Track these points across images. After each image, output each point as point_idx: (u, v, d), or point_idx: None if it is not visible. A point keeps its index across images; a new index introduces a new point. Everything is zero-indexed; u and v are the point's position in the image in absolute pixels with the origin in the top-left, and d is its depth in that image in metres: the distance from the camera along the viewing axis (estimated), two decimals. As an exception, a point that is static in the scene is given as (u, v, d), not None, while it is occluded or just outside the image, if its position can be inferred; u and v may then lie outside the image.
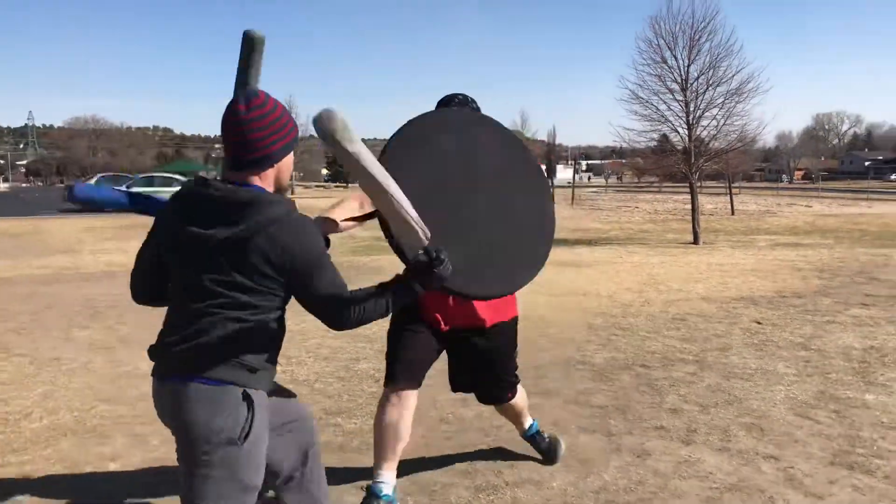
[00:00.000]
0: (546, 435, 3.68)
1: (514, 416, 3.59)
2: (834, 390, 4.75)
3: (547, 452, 3.63)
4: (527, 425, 3.64)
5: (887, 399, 4.55)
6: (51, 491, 3.39)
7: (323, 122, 2.10)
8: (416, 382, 3.11)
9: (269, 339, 2.18)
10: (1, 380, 5.30)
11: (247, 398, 2.09)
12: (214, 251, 2.05)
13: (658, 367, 5.39)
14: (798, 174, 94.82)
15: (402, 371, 3.09)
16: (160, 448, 3.88)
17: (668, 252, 15.46)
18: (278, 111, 2.14)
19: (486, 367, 3.27)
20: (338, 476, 3.43)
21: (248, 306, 2.08)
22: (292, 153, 2.21)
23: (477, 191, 2.76)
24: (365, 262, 12.96)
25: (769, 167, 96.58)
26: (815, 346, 5.99)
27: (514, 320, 3.31)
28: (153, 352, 2.20)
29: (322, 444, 3.87)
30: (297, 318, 7.42)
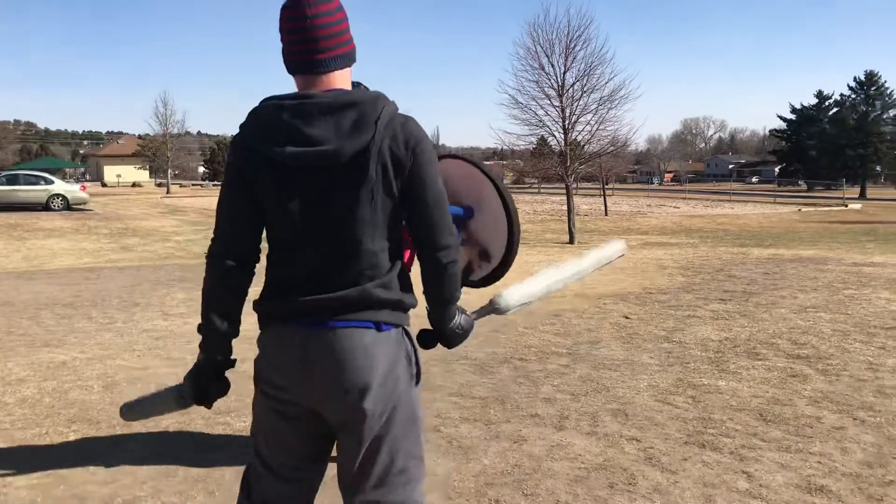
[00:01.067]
0: None
1: None
2: (692, 378, 5.19)
3: None
4: None
5: (737, 384, 5.02)
6: (-71, 498, 3.33)
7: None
8: None
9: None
10: None
11: None
12: (344, 169, 1.80)
13: (534, 360, 5.72)
14: (668, 176, 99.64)
15: None
16: (46, 453, 3.85)
17: (545, 251, 16.07)
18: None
19: None
20: (232, 471, 3.53)
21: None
22: None
23: None
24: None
25: (641, 169, 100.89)
26: (676, 338, 6.48)
27: None
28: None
29: (211, 442, 3.96)
30: (181, 320, 7.39)
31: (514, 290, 2.41)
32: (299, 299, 1.85)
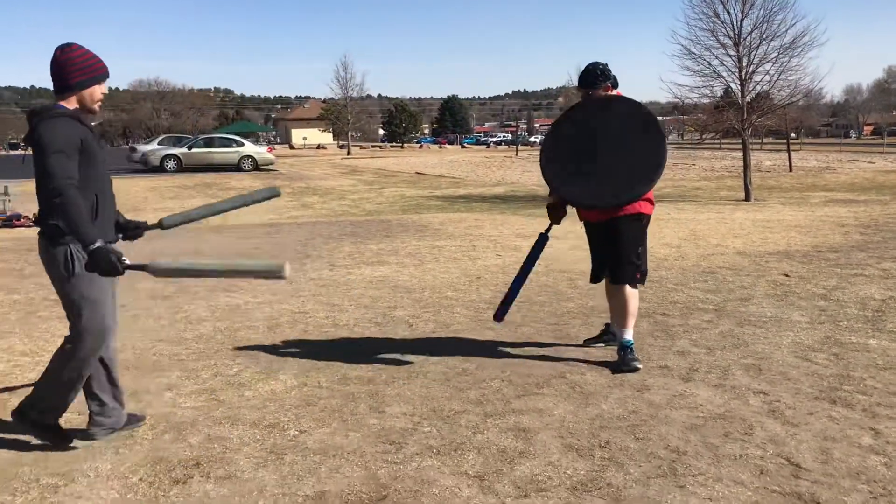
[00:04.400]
0: (634, 355, 4.47)
1: (620, 313, 4.55)
2: (840, 336, 4.98)
3: (622, 363, 4.43)
4: (626, 335, 4.52)
5: (889, 344, 4.77)
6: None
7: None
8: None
9: None
10: (73, 323, 5.87)
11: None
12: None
13: (677, 316, 5.68)
14: (868, 129, 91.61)
15: (595, 273, 4.76)
16: (209, 381, 4.36)
17: (716, 209, 15.49)
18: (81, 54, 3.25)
19: (615, 248, 4.50)
20: (366, 405, 3.86)
21: None
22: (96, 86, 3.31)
23: (597, 143, 4.46)
24: (413, 220, 13.38)
25: (836, 122, 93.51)
26: (834, 296, 6.18)
27: (639, 216, 4.49)
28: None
29: (352, 374, 4.31)
30: (344, 271, 7.90)
31: (166, 263, 3.39)
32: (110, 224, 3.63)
